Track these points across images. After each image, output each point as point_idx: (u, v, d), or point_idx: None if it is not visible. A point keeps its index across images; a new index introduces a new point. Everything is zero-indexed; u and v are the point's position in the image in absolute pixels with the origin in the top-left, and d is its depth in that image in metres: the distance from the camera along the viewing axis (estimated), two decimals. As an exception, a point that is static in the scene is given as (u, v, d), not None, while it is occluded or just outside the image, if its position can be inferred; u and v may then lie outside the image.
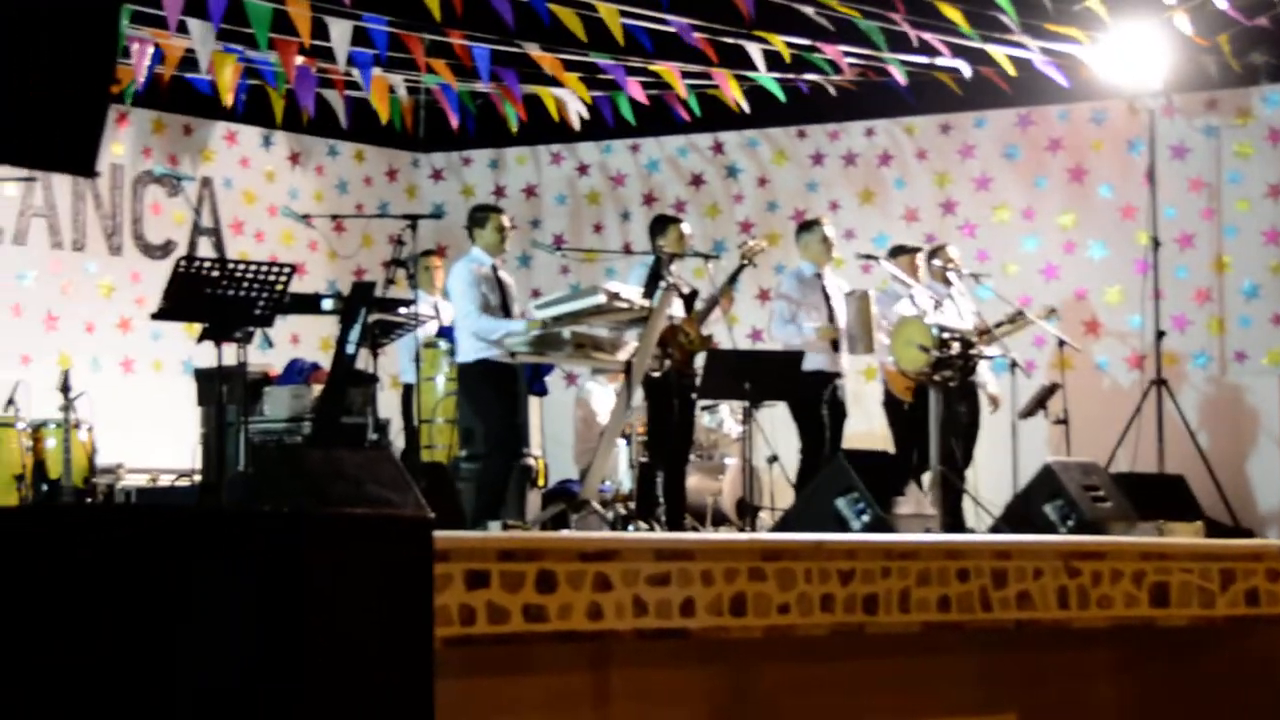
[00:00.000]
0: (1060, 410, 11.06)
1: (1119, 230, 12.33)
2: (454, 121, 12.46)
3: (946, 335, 9.63)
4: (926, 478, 9.56)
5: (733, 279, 9.97)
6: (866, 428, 10.87)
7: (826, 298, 10.26)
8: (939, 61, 11.48)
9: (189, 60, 11.16)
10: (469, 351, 9.19)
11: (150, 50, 10.71)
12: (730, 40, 11.37)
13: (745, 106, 12.21)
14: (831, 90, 12.33)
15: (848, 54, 11.50)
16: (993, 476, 10.62)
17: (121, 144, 12.23)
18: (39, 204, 11.83)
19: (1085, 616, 6.82)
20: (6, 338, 11.52)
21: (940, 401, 9.55)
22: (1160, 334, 11.71)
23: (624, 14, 10.77)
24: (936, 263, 10.69)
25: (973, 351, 9.70)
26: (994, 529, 8.86)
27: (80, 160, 3.91)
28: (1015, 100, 12.30)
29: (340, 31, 10.49)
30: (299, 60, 11.16)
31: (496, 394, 9.15)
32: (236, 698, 3.67)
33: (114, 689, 3.64)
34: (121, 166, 12.29)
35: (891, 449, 10.33)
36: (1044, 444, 11.36)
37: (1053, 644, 6.90)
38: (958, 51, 11.44)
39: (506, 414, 9.18)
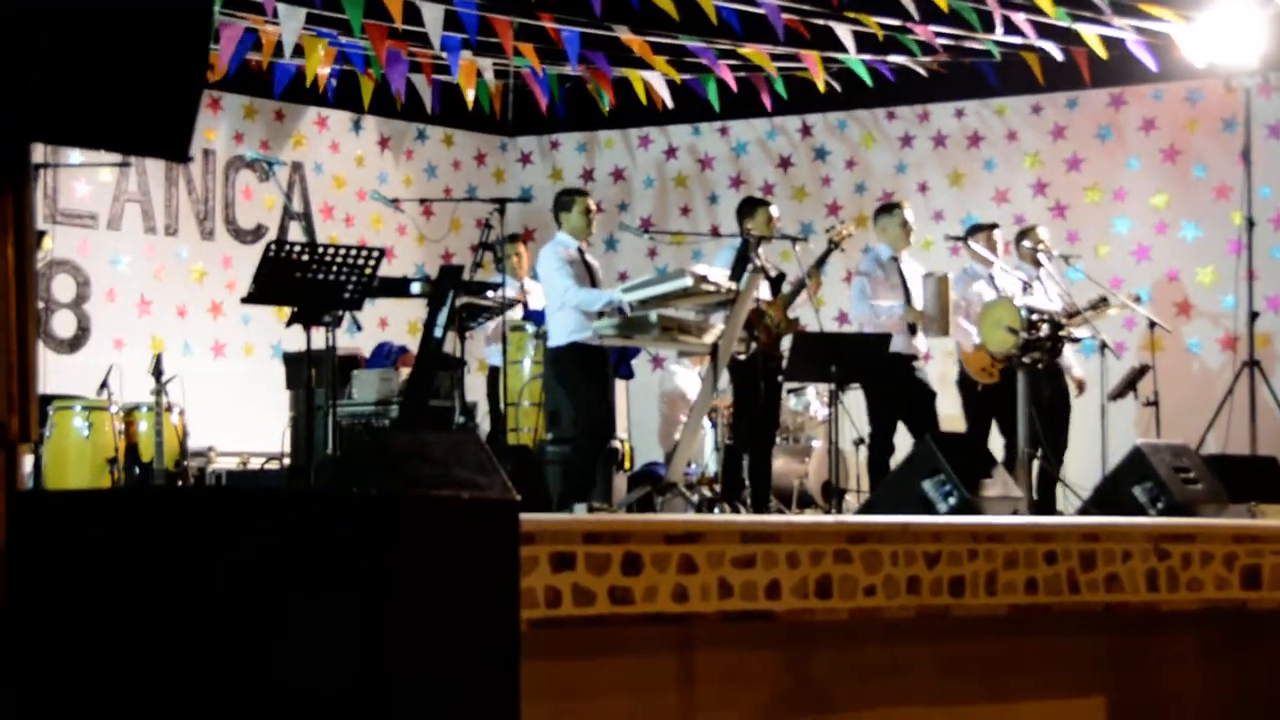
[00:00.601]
0: (1150, 392, 10.96)
1: (1212, 210, 12.19)
2: (543, 103, 12.50)
3: (1035, 317, 9.56)
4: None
5: (820, 262, 9.93)
6: (955, 410, 10.80)
7: (904, 281, 10.21)
8: (1029, 42, 11.38)
9: (283, 46, 11.26)
10: (561, 334, 9.18)
11: (238, 36, 10.80)
12: (820, 22, 11.33)
13: (836, 86, 12.17)
14: (923, 72, 12.25)
15: (939, 34, 11.44)
16: (1081, 459, 10.54)
17: (214, 129, 12.37)
18: (133, 189, 11.98)
19: (1175, 599, 6.76)
20: (101, 322, 11.69)
21: (1028, 384, 9.49)
22: (1254, 315, 11.56)
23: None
24: (1026, 244, 10.62)
25: (1062, 333, 9.62)
26: (1082, 511, 8.79)
27: (174, 145, 3.94)
28: (1108, 80, 12.19)
29: (432, 15, 10.55)
30: (389, 45, 11.23)
31: (587, 378, 9.14)
32: (326, 679, 3.71)
33: (206, 672, 3.68)
34: (214, 152, 12.42)
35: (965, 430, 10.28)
36: (1133, 426, 11.26)
37: (1142, 627, 6.84)
38: (1048, 32, 11.34)
39: (597, 398, 9.18)
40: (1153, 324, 10.95)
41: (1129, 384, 11.05)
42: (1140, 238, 12.40)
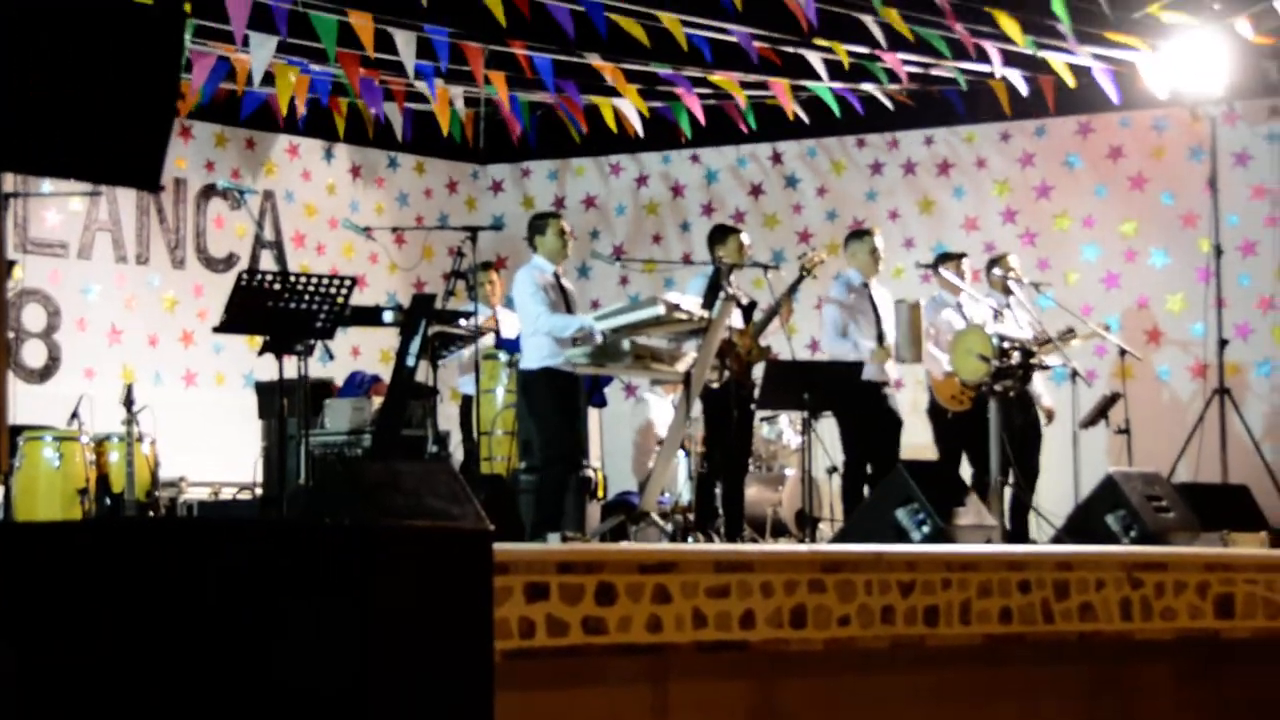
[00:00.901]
0: (1122, 420, 10.99)
1: (1181, 238, 12.25)
2: (516, 129, 12.51)
3: (1007, 345, 9.59)
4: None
5: (792, 290, 9.94)
6: (927, 439, 10.81)
7: (874, 307, 10.24)
8: (996, 71, 11.43)
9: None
10: (533, 359, 9.16)
11: (211, 65, 10.79)
12: (790, 50, 11.36)
13: (803, 116, 12.21)
14: (887, 102, 12.29)
15: (907, 63, 11.48)
16: (1054, 487, 10.56)
17: (185, 158, 12.34)
18: (104, 218, 11.94)
19: (1149, 628, 6.77)
20: (71, 351, 11.64)
21: (1000, 412, 9.51)
22: (1223, 342, 11.61)
23: (685, 23, 10.79)
24: (997, 272, 10.65)
25: (1033, 361, 9.65)
26: (1056, 540, 8.81)
27: (145, 174, 3.94)
28: (1076, 108, 12.25)
29: (405, 41, 10.55)
30: (362, 73, 11.23)
31: (557, 404, 9.13)
32: (297, 710, 3.69)
33: (177, 702, 3.66)
34: (185, 180, 12.39)
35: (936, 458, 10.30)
36: (1105, 454, 11.29)
37: (1116, 656, 6.85)
38: (1015, 61, 11.39)
39: (565, 425, 9.17)
40: (1123, 352, 10.98)
41: (1100, 412, 11.08)
42: (1109, 265, 12.45)
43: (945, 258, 10.68)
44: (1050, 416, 10.60)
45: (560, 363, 9.04)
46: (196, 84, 10.82)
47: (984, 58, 11.24)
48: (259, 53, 10.41)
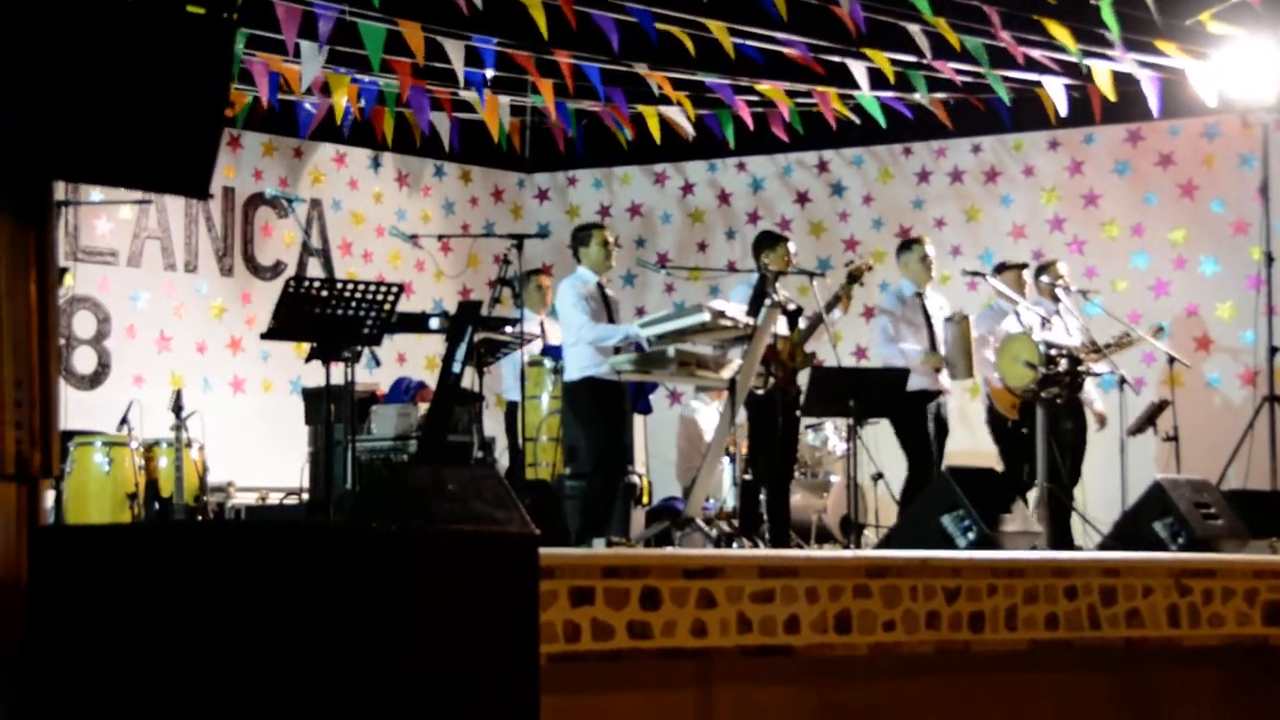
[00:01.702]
0: (1170, 427, 10.94)
1: (1231, 246, 12.18)
2: (567, 134, 12.55)
3: (1054, 352, 9.56)
4: (1033, 494, 9.49)
5: (836, 298, 9.83)
6: (971, 445, 10.79)
7: (927, 317, 10.22)
8: (1041, 79, 11.38)
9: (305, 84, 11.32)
10: (576, 369, 9.22)
11: (265, 75, 10.87)
12: (837, 59, 11.36)
13: (854, 119, 12.20)
14: (938, 112, 12.24)
15: (959, 72, 11.45)
16: (1101, 494, 10.51)
17: (233, 167, 12.42)
18: (153, 226, 12.03)
19: (1196, 635, 6.73)
20: (121, 358, 11.72)
21: (1047, 418, 9.47)
22: (1274, 350, 11.52)
23: (733, 32, 10.79)
24: (1045, 279, 10.61)
25: (1081, 368, 9.61)
26: (1103, 546, 8.77)
27: (194, 182, 3.97)
28: (1125, 116, 12.19)
29: (456, 50, 10.59)
30: (412, 82, 11.28)
31: (602, 412, 9.17)
32: (347, 714, 3.71)
33: (221, 705, 3.69)
34: (233, 189, 12.47)
35: (997, 466, 10.25)
36: (1153, 461, 11.23)
37: (1163, 663, 6.81)
38: (1065, 69, 11.34)
39: (612, 432, 9.21)
40: (1172, 359, 10.93)
41: (1149, 419, 11.03)
42: (1159, 273, 12.39)
43: (1005, 267, 10.63)
44: (1103, 422, 10.57)
45: (604, 371, 9.07)
46: (249, 93, 10.91)
47: (1032, 67, 11.19)
48: (309, 63, 10.47)
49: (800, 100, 12.28)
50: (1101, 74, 11.25)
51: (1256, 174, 11.93)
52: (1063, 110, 11.59)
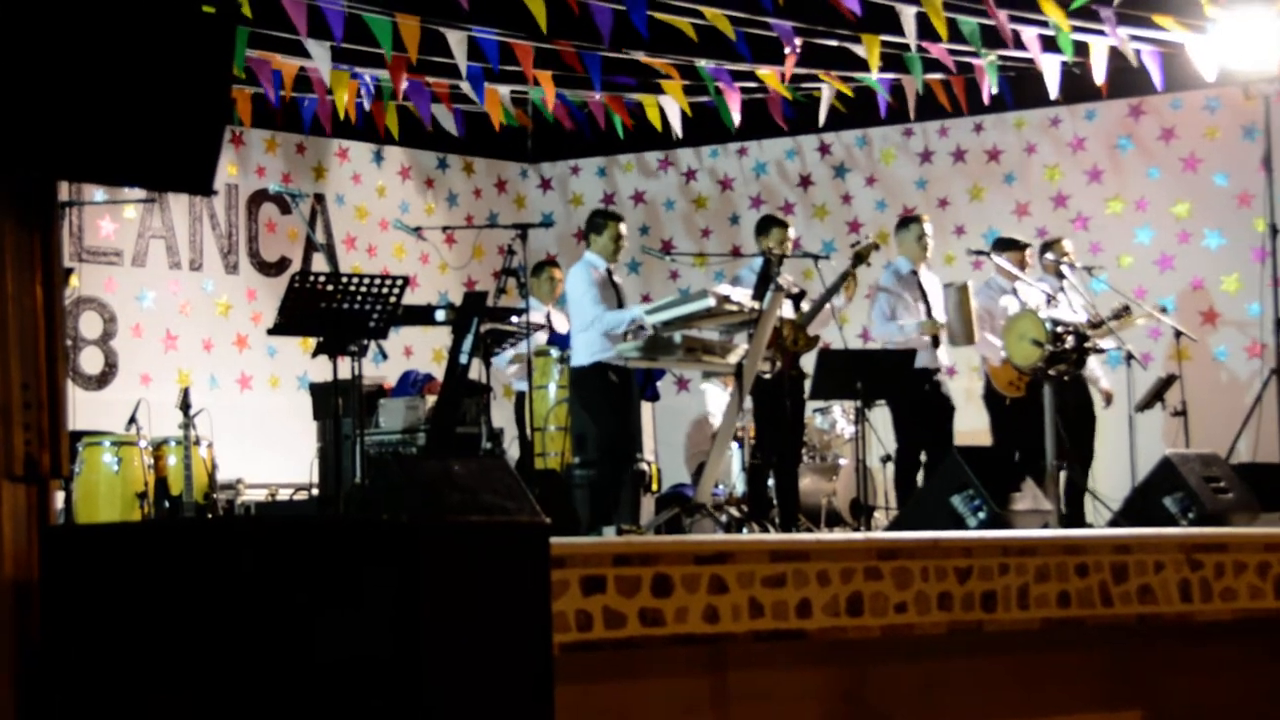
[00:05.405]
0: (1178, 402, 10.94)
1: (1235, 218, 12.16)
2: (569, 123, 12.54)
3: (1060, 329, 9.55)
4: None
5: (845, 276, 9.80)
6: (981, 424, 10.77)
7: (924, 294, 10.22)
8: (1036, 56, 11.34)
9: (301, 80, 11.32)
10: (584, 355, 9.24)
11: (268, 73, 10.88)
12: (834, 44, 11.34)
13: (843, 101, 12.17)
14: (941, 94, 12.22)
15: (952, 53, 11.43)
16: (1110, 470, 10.51)
17: (236, 164, 12.42)
18: (157, 226, 12.04)
19: (1208, 610, 6.73)
20: (128, 358, 11.74)
21: (1053, 396, 9.47)
22: (1280, 322, 11.52)
23: (730, 19, 10.77)
24: (1050, 256, 10.60)
25: (1087, 345, 9.61)
26: (1113, 523, 8.77)
27: (198, 180, 3.97)
28: (1126, 91, 12.17)
29: (457, 42, 10.59)
30: (409, 77, 11.28)
31: (608, 399, 9.20)
32: (359, 709, 3.72)
33: (233, 701, 3.69)
34: (236, 186, 12.48)
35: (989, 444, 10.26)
36: (1161, 436, 11.23)
37: (1176, 638, 6.81)
38: (1056, 47, 11.28)
39: (618, 419, 9.22)
40: (1178, 333, 10.92)
41: (1156, 394, 11.02)
42: (1163, 247, 12.38)
43: (1008, 244, 10.61)
44: (1109, 399, 10.56)
45: (611, 357, 9.09)
46: (269, 89, 10.93)
47: (1021, 46, 11.15)
48: (321, 60, 10.49)
49: (803, 86, 12.26)
50: (1099, 50, 11.22)
51: (1259, 146, 11.90)
52: (1054, 91, 11.57)
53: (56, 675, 3.77)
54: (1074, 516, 9.85)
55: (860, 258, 9.86)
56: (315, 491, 10.05)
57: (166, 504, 9.25)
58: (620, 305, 9.39)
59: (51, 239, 3.79)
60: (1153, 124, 12.50)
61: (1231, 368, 12.13)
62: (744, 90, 12.21)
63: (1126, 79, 11.78)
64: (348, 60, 11.23)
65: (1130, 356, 10.37)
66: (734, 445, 10.25)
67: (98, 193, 10.82)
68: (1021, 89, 12.18)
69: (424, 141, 12.79)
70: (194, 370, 11.87)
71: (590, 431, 9.39)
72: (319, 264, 12.58)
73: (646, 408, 10.32)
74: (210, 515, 9.19)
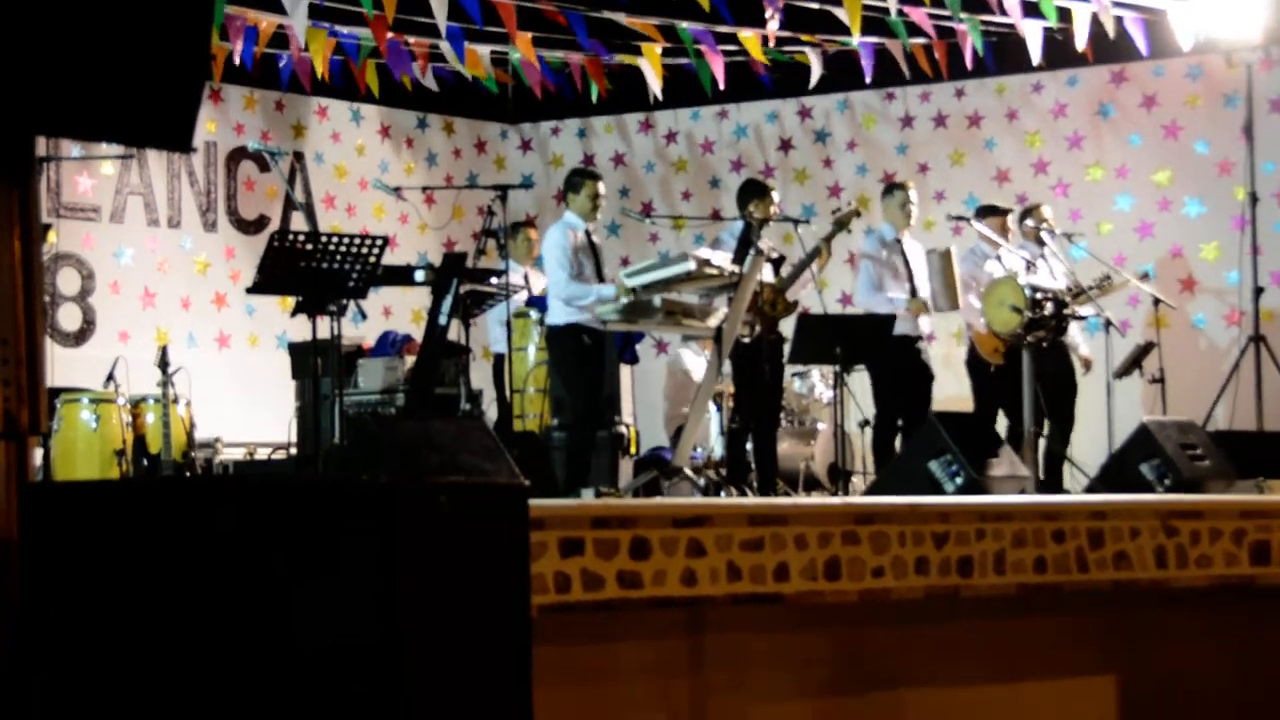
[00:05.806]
0: (1156, 369, 10.97)
1: (1216, 186, 12.18)
2: (547, 86, 12.49)
3: (1039, 295, 9.56)
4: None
5: (828, 239, 9.78)
6: (959, 391, 10.80)
7: (906, 262, 10.23)
8: (1022, 24, 11.33)
9: (279, 37, 11.26)
10: (560, 315, 9.25)
11: (242, 29, 10.81)
12: (816, 6, 11.31)
13: (819, 63, 12.14)
14: (923, 59, 12.20)
15: (933, 17, 11.41)
16: (1088, 437, 10.54)
17: (215, 121, 12.36)
18: (135, 182, 11.98)
19: (1184, 576, 6.75)
20: (106, 315, 11.69)
21: (1032, 362, 9.49)
22: (1259, 290, 11.54)
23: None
24: (1030, 223, 10.61)
25: (1066, 311, 9.62)
26: (1090, 489, 8.80)
27: (176, 136, 3.94)
28: (1108, 57, 12.16)
29: (437, 3, 10.53)
30: (389, 35, 11.22)
31: (583, 361, 9.20)
32: (337, 666, 3.72)
33: (212, 662, 3.69)
34: (215, 144, 12.42)
35: (970, 409, 10.28)
36: (1139, 403, 11.27)
37: (1152, 604, 6.84)
38: (1036, 12, 11.26)
39: (591, 381, 9.23)
40: (1157, 301, 10.94)
41: (1134, 361, 11.05)
42: (1143, 215, 12.39)
43: (990, 211, 10.62)
44: (1088, 366, 10.59)
45: (586, 319, 9.09)
46: (237, 49, 10.86)
47: (1003, 10, 11.13)
48: (296, 15, 10.42)
49: (788, 48, 12.23)
50: (1081, 15, 11.20)
51: (1240, 114, 11.92)
52: (1036, 56, 11.56)
53: (38, 633, 3.76)
54: (1052, 483, 9.88)
55: (841, 225, 9.84)
56: (293, 451, 10.04)
57: (144, 462, 9.22)
58: (599, 268, 9.37)
59: (29, 194, 3.76)
60: (1134, 91, 12.50)
61: (1210, 335, 12.16)
62: (725, 54, 12.17)
63: (1109, 45, 11.76)
64: (326, 18, 11.17)
65: (1109, 324, 10.39)
66: (712, 409, 10.25)
67: (75, 148, 10.76)
68: (1003, 54, 12.16)
69: (404, 101, 12.73)
70: (172, 328, 11.83)
71: (565, 394, 9.40)
72: (298, 222, 12.54)
73: (625, 370, 10.32)
74: (189, 474, 9.17)
